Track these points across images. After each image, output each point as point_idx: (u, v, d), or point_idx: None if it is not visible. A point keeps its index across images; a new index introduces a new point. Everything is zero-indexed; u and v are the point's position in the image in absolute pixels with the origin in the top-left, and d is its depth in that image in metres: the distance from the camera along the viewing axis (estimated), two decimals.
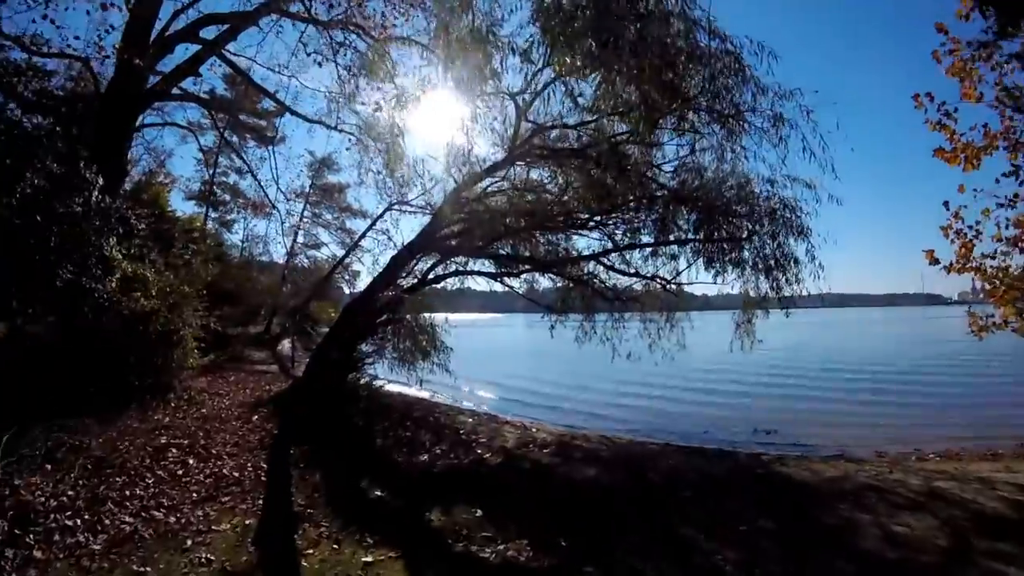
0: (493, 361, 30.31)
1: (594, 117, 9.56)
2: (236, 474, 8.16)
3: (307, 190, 40.90)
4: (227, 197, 38.78)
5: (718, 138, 9.14)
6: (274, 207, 30.71)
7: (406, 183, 15.07)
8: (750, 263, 10.16)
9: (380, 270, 14.00)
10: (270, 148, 27.01)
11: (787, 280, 10.02)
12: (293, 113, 19.52)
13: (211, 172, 37.10)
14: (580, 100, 9.64)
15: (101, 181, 9.91)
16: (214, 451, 9.44)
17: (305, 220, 41.49)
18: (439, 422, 11.88)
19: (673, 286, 12.16)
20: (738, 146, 9.13)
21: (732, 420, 13.72)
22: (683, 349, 14.76)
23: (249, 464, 8.74)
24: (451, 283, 15.83)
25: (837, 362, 25.33)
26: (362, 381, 13.84)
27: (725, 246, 10.03)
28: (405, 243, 14.61)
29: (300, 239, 41.93)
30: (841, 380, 20.05)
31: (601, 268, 14.82)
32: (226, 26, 14.53)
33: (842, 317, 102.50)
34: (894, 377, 20.84)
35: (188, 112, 26.70)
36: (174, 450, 9.20)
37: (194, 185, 35.88)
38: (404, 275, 14.39)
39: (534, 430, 11.49)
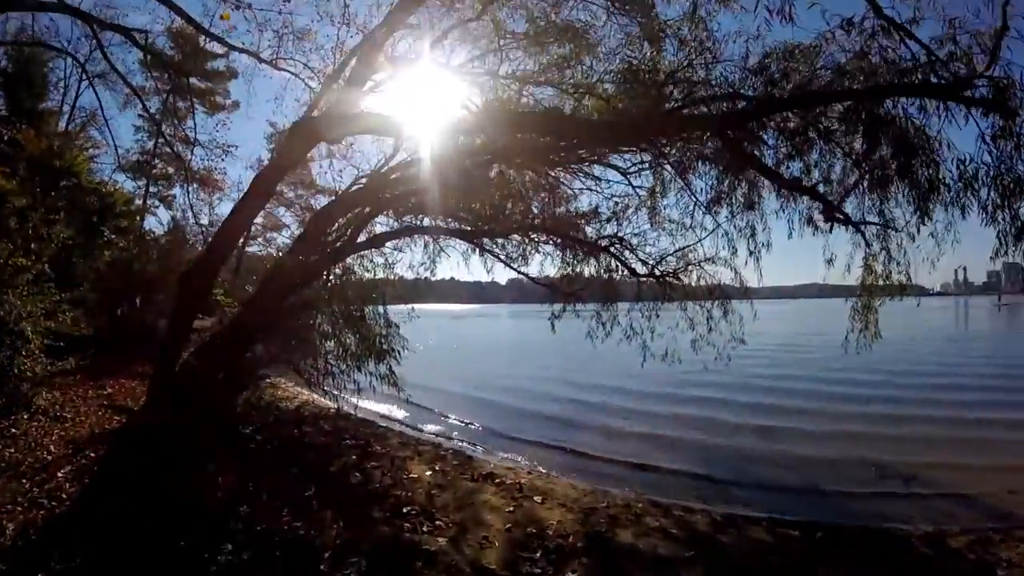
0: (476, 363, 24.71)
1: None
2: None
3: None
4: (170, 170, 33.86)
5: None
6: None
7: None
8: (955, 185, 5.20)
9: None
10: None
11: None
12: (208, 35, 14.53)
13: (154, 142, 32.08)
14: None
15: None
16: None
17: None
18: (370, 484, 6.86)
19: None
20: None
21: (840, 461, 8.86)
22: (740, 346, 10.07)
23: None
24: (420, 261, 10.93)
25: (900, 363, 19.65)
26: (263, 401, 8.83)
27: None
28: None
29: (259, 219, 37.06)
30: (928, 388, 14.94)
31: (630, 229, 10.00)
32: None
33: (831, 305, 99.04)
34: (990, 382, 16.00)
35: (132, 76, 21.71)
36: None
37: (133, 156, 31.07)
38: (332, 238, 9.40)
39: (537, 498, 6.51)
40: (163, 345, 7.53)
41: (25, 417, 9.13)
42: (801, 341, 30.28)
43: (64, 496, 6.34)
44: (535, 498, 6.48)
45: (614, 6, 6.32)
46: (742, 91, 6.74)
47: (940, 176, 5.37)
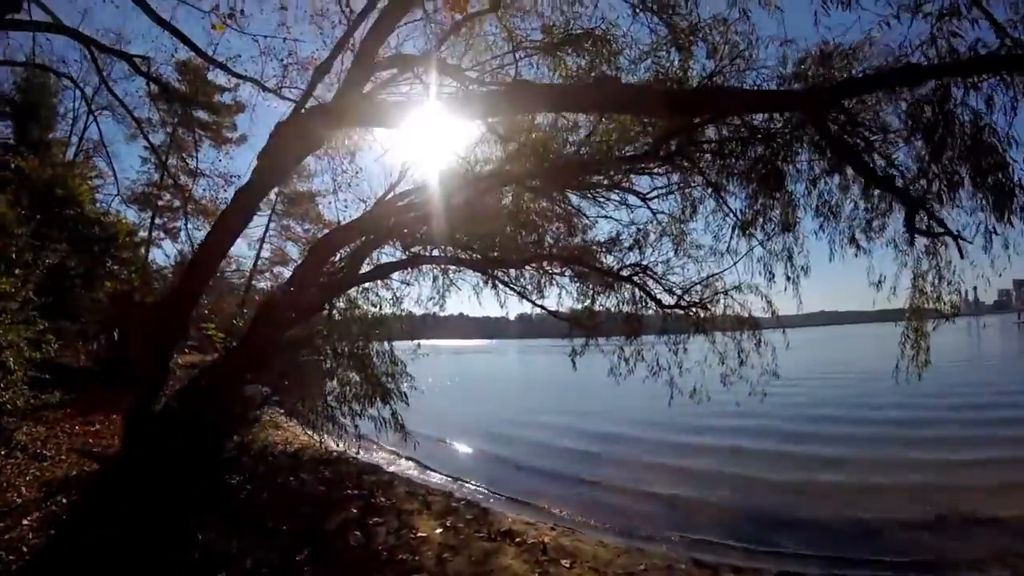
0: (490, 403, 23.79)
1: None
2: None
3: (272, 199, 35.71)
4: (176, 203, 33.75)
5: None
6: None
7: None
8: None
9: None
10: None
11: None
12: (211, 62, 14.28)
13: (160, 174, 32.07)
14: None
15: None
16: None
17: (271, 233, 36.31)
18: (372, 545, 5.99)
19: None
20: None
21: (894, 501, 7.99)
22: (772, 380, 9.24)
23: None
24: (428, 296, 10.28)
25: (945, 395, 17.15)
26: (256, 445, 8.04)
27: None
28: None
29: (266, 253, 36.67)
30: (983, 424, 13.25)
31: (654, 257, 9.33)
32: None
33: (854, 332, 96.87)
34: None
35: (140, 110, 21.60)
36: None
37: (139, 188, 31.08)
38: (334, 268, 8.77)
39: (564, 563, 5.59)
40: (140, 384, 6.74)
41: (3, 453, 8.42)
42: (833, 371, 28.79)
43: (25, 549, 5.57)
44: (562, 562, 5.57)
45: (642, 3, 5.75)
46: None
47: (1017, 179, 4.67)
